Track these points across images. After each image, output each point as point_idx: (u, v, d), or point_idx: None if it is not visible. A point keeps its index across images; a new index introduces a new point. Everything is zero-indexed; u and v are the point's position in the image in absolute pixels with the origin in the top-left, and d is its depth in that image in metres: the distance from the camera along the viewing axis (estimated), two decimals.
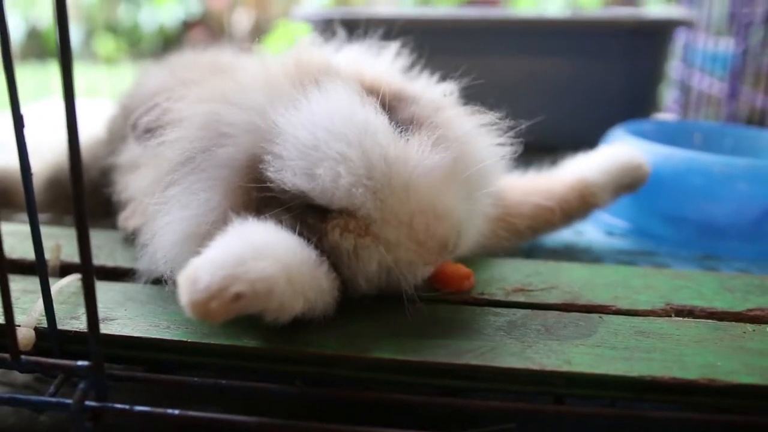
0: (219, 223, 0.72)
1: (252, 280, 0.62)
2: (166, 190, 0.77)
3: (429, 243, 0.73)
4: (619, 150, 1.16)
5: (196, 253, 0.70)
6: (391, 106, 0.80)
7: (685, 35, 2.40)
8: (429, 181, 0.74)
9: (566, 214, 1.07)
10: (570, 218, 1.09)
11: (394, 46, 0.96)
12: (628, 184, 1.13)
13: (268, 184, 0.72)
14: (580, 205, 1.08)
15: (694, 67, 2.33)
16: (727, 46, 2.13)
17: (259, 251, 0.65)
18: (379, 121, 0.74)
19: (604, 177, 1.10)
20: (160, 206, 0.77)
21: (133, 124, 0.90)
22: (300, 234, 0.73)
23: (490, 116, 0.87)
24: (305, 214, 0.74)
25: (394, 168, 0.72)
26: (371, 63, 0.93)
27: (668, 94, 2.53)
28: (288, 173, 0.71)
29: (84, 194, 0.61)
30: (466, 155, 0.80)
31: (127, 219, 0.93)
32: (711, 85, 2.17)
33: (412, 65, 0.96)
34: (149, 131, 0.86)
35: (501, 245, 0.98)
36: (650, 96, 1.90)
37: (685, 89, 2.42)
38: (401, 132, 0.76)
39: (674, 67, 2.50)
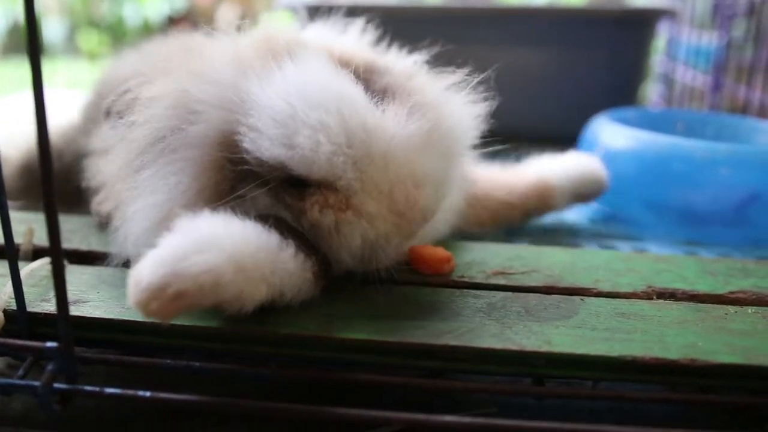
0: (190, 207, 0.70)
1: (194, 274, 0.60)
2: (136, 174, 0.76)
3: (409, 214, 0.72)
4: (585, 160, 1.19)
5: None
6: (364, 77, 0.78)
7: (669, 29, 2.41)
8: (407, 150, 0.73)
9: (525, 212, 1.12)
10: (528, 216, 1.14)
11: (359, 23, 0.95)
12: (586, 195, 1.17)
13: (244, 157, 0.71)
14: (538, 205, 1.13)
15: (678, 60, 2.33)
16: (710, 39, 2.13)
17: (204, 243, 0.63)
18: (355, 90, 0.73)
19: (565, 183, 1.14)
20: (130, 191, 0.75)
21: (106, 109, 0.88)
22: (277, 213, 0.71)
23: (459, 75, 0.87)
24: (283, 191, 0.72)
25: (374, 136, 0.71)
26: (339, 38, 0.92)
27: (652, 88, 2.54)
28: (265, 143, 0.70)
29: (53, 174, 0.59)
30: (441, 120, 0.79)
31: (99, 204, 0.91)
32: (695, 78, 2.17)
33: (378, 41, 0.95)
34: (120, 114, 0.84)
35: (468, 229, 0.99)
36: (633, 86, 1.90)
37: (669, 83, 2.43)
38: (377, 102, 0.75)
39: (658, 61, 2.50)
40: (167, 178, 0.73)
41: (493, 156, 0.93)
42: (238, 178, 0.72)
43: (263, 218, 0.71)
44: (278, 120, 0.70)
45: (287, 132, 0.69)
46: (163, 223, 0.70)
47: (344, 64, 0.77)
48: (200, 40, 1.10)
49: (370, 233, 0.72)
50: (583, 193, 1.16)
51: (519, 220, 1.13)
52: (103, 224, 0.90)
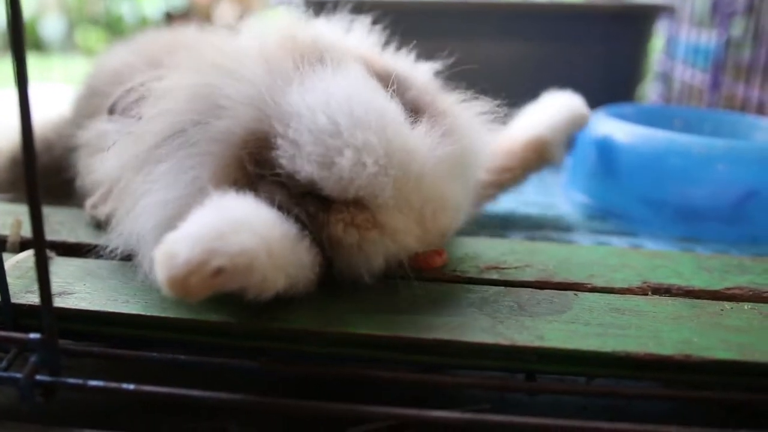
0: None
1: (232, 254, 0.59)
2: (147, 168, 0.74)
3: (433, 230, 0.75)
4: (564, 101, 1.21)
5: None
6: (394, 91, 0.76)
7: (668, 27, 2.40)
8: (440, 171, 0.74)
9: (525, 171, 1.14)
10: (528, 174, 1.15)
11: (365, 21, 0.93)
12: (573, 132, 1.21)
13: (267, 162, 0.70)
14: (537, 161, 1.15)
15: (677, 58, 2.32)
16: (709, 37, 2.12)
17: (239, 224, 0.61)
18: (395, 108, 0.72)
19: (556, 133, 1.15)
20: (142, 185, 0.73)
21: (110, 107, 0.85)
22: (296, 217, 0.69)
23: (484, 103, 0.87)
24: (307, 201, 0.70)
25: (413, 157, 0.71)
26: (360, 40, 0.89)
27: (651, 86, 2.53)
28: (301, 159, 0.68)
29: (35, 163, 0.58)
30: (468, 146, 0.81)
31: (96, 205, 0.89)
32: (693, 76, 2.16)
33: (387, 42, 0.94)
34: (126, 111, 0.82)
35: (477, 210, 1.00)
36: (632, 84, 1.89)
37: (667, 81, 2.42)
38: (410, 119, 0.74)
39: (657, 59, 2.49)
40: (185, 172, 0.71)
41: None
42: (258, 179, 0.70)
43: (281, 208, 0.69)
44: (318, 137, 0.68)
45: (327, 151, 0.67)
46: (175, 220, 0.68)
47: (380, 75, 0.77)
48: (193, 35, 1.09)
49: (392, 248, 0.72)
50: (572, 132, 1.21)
51: (520, 180, 1.15)
52: (99, 224, 0.89)
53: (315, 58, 0.74)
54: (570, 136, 1.20)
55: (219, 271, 0.58)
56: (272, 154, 0.69)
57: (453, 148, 0.75)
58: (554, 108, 1.19)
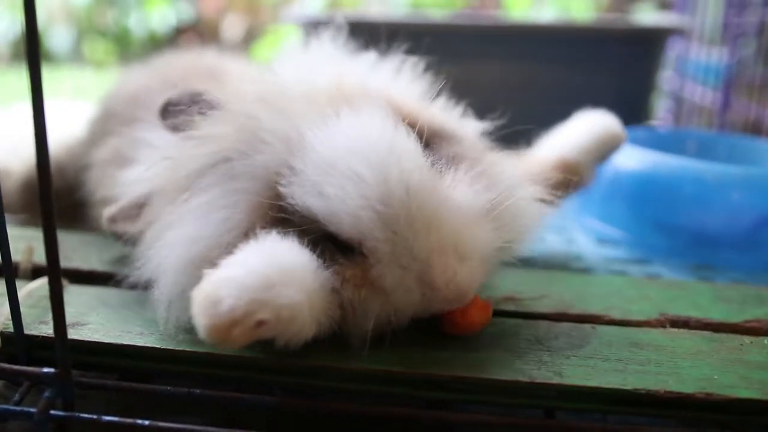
0: (232, 249, 0.65)
1: (279, 307, 0.58)
2: (187, 195, 0.71)
3: (444, 288, 0.65)
4: (594, 121, 1.12)
5: (197, 280, 0.62)
6: (432, 142, 0.74)
7: (678, 46, 2.39)
8: (457, 217, 0.67)
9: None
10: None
11: (414, 61, 0.90)
12: (608, 154, 1.11)
13: (281, 203, 0.67)
14: (566, 187, 1.04)
15: (687, 77, 2.32)
16: (720, 56, 2.11)
17: (287, 274, 0.60)
18: (408, 146, 0.67)
19: (586, 155, 1.07)
20: (174, 214, 0.71)
21: (162, 114, 0.80)
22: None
23: (532, 164, 0.83)
24: (321, 247, 0.67)
25: (417, 197, 0.64)
26: (402, 84, 0.87)
27: (661, 105, 2.52)
28: (299, 189, 0.66)
29: (51, 192, 0.58)
30: (504, 198, 0.72)
31: (116, 220, 0.83)
32: (703, 95, 2.15)
33: (439, 88, 0.91)
34: (177, 121, 0.78)
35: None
36: (642, 104, 1.89)
37: (677, 100, 2.41)
38: (439, 167, 0.70)
39: (667, 78, 2.49)
40: (218, 211, 0.68)
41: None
42: (283, 222, 0.67)
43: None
44: (318, 166, 0.65)
45: (321, 179, 0.65)
46: (199, 263, 0.66)
47: (411, 123, 0.71)
48: (212, 60, 1.09)
49: (388, 307, 0.66)
50: (605, 155, 1.10)
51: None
52: (123, 242, 0.82)
53: (351, 101, 0.72)
54: (603, 157, 1.10)
55: (262, 324, 0.57)
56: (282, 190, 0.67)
57: (483, 195, 0.70)
58: (585, 128, 1.10)
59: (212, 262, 0.63)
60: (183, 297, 0.65)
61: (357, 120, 0.69)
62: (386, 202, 0.64)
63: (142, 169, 0.79)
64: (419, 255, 0.64)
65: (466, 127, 0.85)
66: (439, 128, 0.77)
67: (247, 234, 0.66)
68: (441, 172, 0.70)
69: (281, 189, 0.67)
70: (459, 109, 0.89)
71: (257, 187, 0.68)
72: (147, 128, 0.80)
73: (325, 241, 0.67)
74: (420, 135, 0.70)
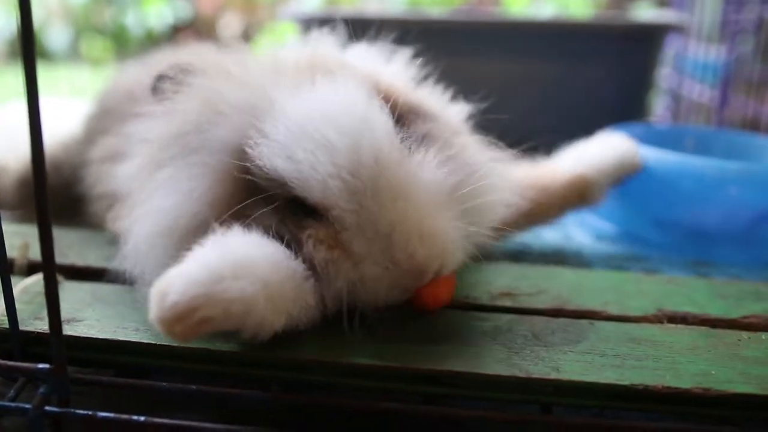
0: (201, 217, 0.67)
1: (228, 301, 0.58)
2: (152, 173, 0.72)
3: (405, 264, 0.66)
4: (615, 143, 1.14)
5: (171, 251, 0.65)
6: (406, 117, 0.75)
7: (676, 43, 2.39)
8: (423, 196, 0.68)
9: (562, 209, 1.07)
10: (565, 212, 1.09)
11: (406, 51, 0.91)
12: (623, 178, 1.14)
13: (250, 166, 0.67)
14: (577, 201, 1.08)
15: (685, 74, 2.32)
16: (718, 53, 2.11)
17: (240, 267, 0.60)
18: (381, 119, 0.68)
19: (602, 175, 1.09)
20: (146, 191, 0.72)
21: (154, 83, 0.81)
22: (281, 238, 0.68)
23: (508, 152, 0.84)
24: (285, 213, 0.69)
25: (385, 171, 0.66)
26: (387, 68, 0.88)
27: (659, 102, 2.52)
28: (269, 151, 0.66)
29: (46, 188, 0.58)
30: (472, 182, 0.73)
31: (116, 220, 0.85)
32: (701, 92, 2.15)
33: (426, 75, 0.92)
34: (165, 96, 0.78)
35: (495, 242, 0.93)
36: (640, 101, 1.89)
37: (675, 97, 2.41)
38: (410, 144, 0.71)
39: (665, 75, 2.49)
40: (182, 182, 0.70)
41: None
42: (248, 192, 0.68)
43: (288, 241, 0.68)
44: (289, 130, 0.66)
45: (292, 143, 0.66)
46: (167, 233, 0.68)
47: (387, 98, 0.72)
48: (208, 54, 1.08)
49: (354, 275, 0.66)
50: (620, 177, 1.13)
51: (555, 218, 1.09)
52: (112, 239, 0.85)
53: (325, 74, 0.72)
54: (618, 180, 1.13)
55: (205, 321, 0.57)
56: (249, 155, 0.68)
57: (450, 177, 0.71)
58: (605, 149, 1.13)
59: (182, 233, 0.65)
60: (158, 270, 0.64)
61: (331, 88, 0.69)
62: (355, 173, 0.65)
63: (132, 164, 0.80)
64: (382, 229, 0.65)
65: (446, 109, 0.86)
66: (414, 106, 0.78)
67: (213, 204, 0.67)
68: (412, 149, 0.71)
69: (249, 152, 0.67)
70: (443, 92, 0.90)
71: (217, 160, 0.69)
72: (140, 122, 0.80)
73: (294, 204, 0.68)
74: (393, 110, 0.71)
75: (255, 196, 0.68)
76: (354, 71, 0.76)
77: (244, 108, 0.70)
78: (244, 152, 0.68)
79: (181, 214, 0.68)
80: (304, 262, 0.67)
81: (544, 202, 1.03)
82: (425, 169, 0.69)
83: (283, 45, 0.84)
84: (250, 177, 0.68)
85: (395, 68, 0.89)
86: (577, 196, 1.07)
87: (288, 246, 0.68)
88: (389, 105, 0.71)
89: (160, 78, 0.79)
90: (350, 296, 0.67)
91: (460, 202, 0.72)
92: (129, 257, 0.72)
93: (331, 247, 0.66)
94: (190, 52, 1.17)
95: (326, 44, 0.85)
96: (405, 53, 0.91)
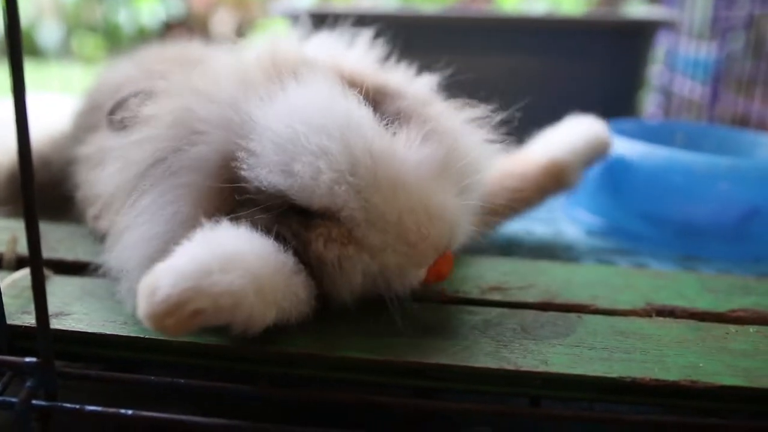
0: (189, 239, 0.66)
1: (217, 294, 0.57)
2: (134, 199, 0.71)
3: (421, 245, 0.66)
4: (584, 126, 1.17)
5: None
6: (375, 100, 0.75)
7: (667, 40, 2.40)
8: (419, 177, 0.68)
9: (541, 195, 1.09)
10: (544, 198, 1.10)
11: (366, 36, 0.92)
12: (595, 159, 1.16)
13: (243, 185, 0.67)
14: (554, 186, 1.09)
15: (676, 71, 2.32)
16: (708, 50, 2.12)
17: (229, 260, 0.60)
18: (362, 113, 0.69)
19: (574, 157, 1.11)
20: (128, 216, 0.71)
21: (108, 117, 0.82)
22: (283, 239, 0.67)
23: (479, 110, 0.84)
24: (289, 218, 0.68)
25: (381, 163, 0.66)
26: (347, 54, 0.88)
27: (650, 99, 2.53)
28: (263, 170, 0.66)
29: (33, 181, 0.58)
30: (457, 149, 0.74)
31: (96, 219, 0.87)
32: (693, 89, 2.16)
33: (388, 56, 0.93)
34: (121, 125, 0.79)
35: (484, 232, 0.92)
36: (631, 97, 1.89)
37: (667, 94, 2.42)
38: (387, 126, 0.71)
39: (657, 72, 2.50)
40: (165, 207, 0.69)
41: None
42: (240, 204, 0.68)
43: (278, 236, 0.68)
44: (277, 144, 0.66)
45: (286, 158, 0.65)
46: (159, 256, 0.66)
47: (353, 84, 0.72)
48: (197, 50, 1.08)
49: (374, 267, 0.67)
50: (593, 159, 1.16)
51: (536, 205, 1.10)
52: (99, 237, 0.85)
53: (290, 73, 0.72)
54: (590, 162, 1.16)
55: (196, 313, 0.56)
56: (241, 174, 0.68)
57: (437, 150, 0.71)
58: (575, 132, 1.15)
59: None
60: None
61: (304, 92, 0.69)
62: (355, 173, 0.65)
63: (111, 168, 0.79)
64: (391, 218, 0.66)
65: (412, 83, 0.86)
66: (381, 86, 0.79)
67: (200, 223, 0.66)
68: (394, 133, 0.71)
69: (239, 172, 0.67)
70: (403, 67, 0.90)
71: (200, 179, 0.69)
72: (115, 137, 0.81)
73: (294, 212, 0.68)
74: (366, 95, 0.72)
75: (245, 208, 0.68)
76: (316, 64, 0.76)
77: (220, 123, 0.70)
78: (227, 166, 0.68)
79: (168, 240, 0.67)
80: (309, 261, 0.68)
81: (523, 188, 1.05)
82: (413, 150, 0.70)
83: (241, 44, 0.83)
84: (238, 190, 0.68)
85: (356, 52, 0.89)
86: (553, 180, 1.09)
87: (291, 248, 0.68)
88: (357, 90, 0.71)
89: (118, 105, 0.80)
90: (370, 287, 0.69)
91: (451, 173, 0.73)
92: (119, 278, 0.72)
93: (344, 244, 0.67)
94: (179, 48, 1.16)
95: (284, 39, 0.85)
96: (365, 37, 0.91)
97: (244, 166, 0.67)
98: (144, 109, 0.76)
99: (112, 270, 0.73)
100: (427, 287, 0.75)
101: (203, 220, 0.66)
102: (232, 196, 0.69)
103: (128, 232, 0.71)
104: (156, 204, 0.70)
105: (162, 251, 0.65)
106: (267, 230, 0.67)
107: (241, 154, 0.68)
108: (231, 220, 0.67)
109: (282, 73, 0.73)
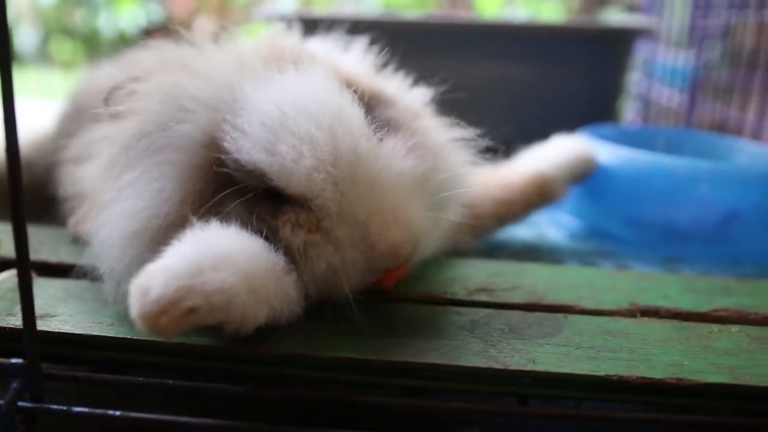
0: (172, 216, 0.68)
1: (209, 293, 0.57)
2: (118, 174, 0.72)
3: (380, 247, 0.68)
4: (571, 144, 1.21)
5: (143, 252, 0.65)
6: (369, 104, 0.76)
7: (645, 49, 2.43)
8: (396, 185, 0.70)
9: (526, 208, 1.11)
10: (529, 211, 1.13)
11: (362, 42, 0.93)
12: (579, 176, 1.20)
13: (223, 158, 0.68)
14: (539, 199, 1.12)
15: (655, 79, 2.35)
16: (686, 58, 2.15)
17: (220, 259, 0.60)
18: (354, 111, 0.70)
19: (559, 172, 1.15)
20: (111, 191, 0.71)
21: (106, 97, 0.81)
22: (254, 228, 0.68)
23: (466, 131, 0.85)
24: (259, 204, 0.69)
25: (363, 162, 0.68)
26: (346, 57, 0.90)
27: (629, 106, 2.55)
28: (247, 145, 0.67)
29: (21, 184, 0.57)
30: (438, 167, 0.76)
31: (78, 223, 0.87)
32: (670, 97, 2.19)
33: (384, 64, 0.93)
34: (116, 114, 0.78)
35: (466, 243, 0.94)
36: (610, 104, 1.91)
37: (645, 101, 2.45)
38: (376, 131, 0.72)
39: (635, 80, 2.52)
40: (150, 183, 0.69)
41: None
42: (220, 185, 0.69)
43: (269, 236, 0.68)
44: (265, 124, 0.67)
45: (272, 137, 0.66)
46: (141, 234, 0.68)
47: (350, 85, 0.74)
48: (180, 51, 1.08)
49: (336, 260, 0.68)
50: (577, 175, 1.19)
51: (521, 217, 1.13)
52: (80, 241, 0.85)
53: (289, 62, 0.73)
54: (575, 179, 1.19)
55: (190, 312, 0.56)
56: (223, 148, 0.68)
57: (419, 165, 0.73)
58: (562, 149, 1.19)
59: (154, 233, 0.66)
60: (129, 272, 0.63)
61: (300, 79, 0.70)
62: (336, 165, 0.66)
63: (94, 166, 0.79)
64: (360, 216, 0.67)
65: (405, 94, 0.88)
66: (375, 92, 0.80)
67: (184, 201, 0.68)
68: (381, 138, 0.72)
69: (220, 146, 0.68)
70: (402, 76, 0.92)
71: (185, 158, 0.70)
72: (101, 126, 0.81)
73: (268, 194, 0.69)
74: (361, 98, 0.73)
75: (227, 189, 0.69)
76: (315, 60, 0.77)
77: (210, 102, 0.70)
78: (214, 146, 0.69)
79: (152, 216, 0.68)
80: (280, 248, 0.68)
81: (509, 200, 1.08)
82: (396, 159, 0.71)
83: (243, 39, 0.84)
84: (221, 170, 0.69)
85: (353, 57, 0.90)
86: (538, 193, 1.11)
87: (264, 236, 0.68)
88: (356, 92, 0.72)
89: (114, 89, 0.79)
90: (329, 281, 0.69)
91: (428, 189, 0.75)
92: (100, 259, 0.72)
93: (311, 231, 0.68)
94: (164, 50, 1.16)
95: (285, 36, 0.86)
96: (361, 43, 0.93)
97: (227, 140, 0.68)
98: (136, 93, 0.76)
99: (96, 269, 0.73)
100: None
101: (190, 197, 0.67)
102: (216, 176, 0.69)
103: (112, 206, 0.71)
104: (140, 180, 0.70)
105: (145, 228, 0.66)
106: (243, 215, 0.68)
107: (227, 129, 0.68)
108: (214, 201, 0.68)
109: (280, 60, 0.74)
